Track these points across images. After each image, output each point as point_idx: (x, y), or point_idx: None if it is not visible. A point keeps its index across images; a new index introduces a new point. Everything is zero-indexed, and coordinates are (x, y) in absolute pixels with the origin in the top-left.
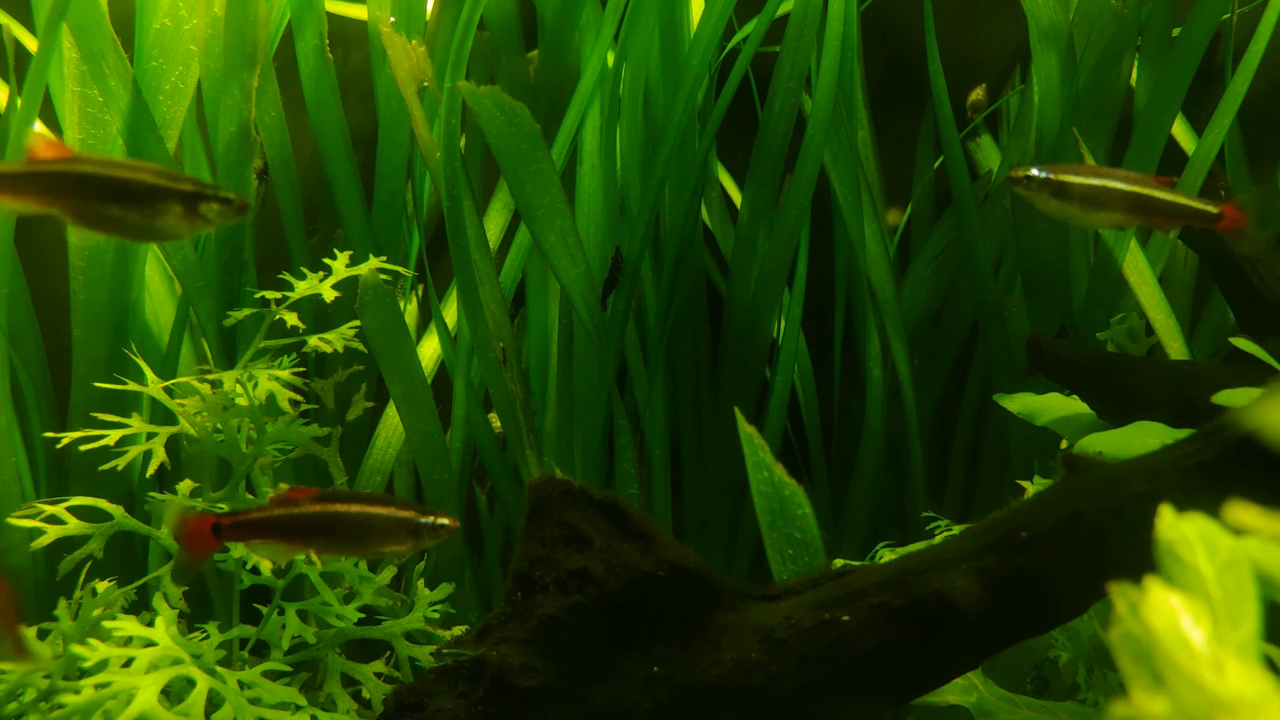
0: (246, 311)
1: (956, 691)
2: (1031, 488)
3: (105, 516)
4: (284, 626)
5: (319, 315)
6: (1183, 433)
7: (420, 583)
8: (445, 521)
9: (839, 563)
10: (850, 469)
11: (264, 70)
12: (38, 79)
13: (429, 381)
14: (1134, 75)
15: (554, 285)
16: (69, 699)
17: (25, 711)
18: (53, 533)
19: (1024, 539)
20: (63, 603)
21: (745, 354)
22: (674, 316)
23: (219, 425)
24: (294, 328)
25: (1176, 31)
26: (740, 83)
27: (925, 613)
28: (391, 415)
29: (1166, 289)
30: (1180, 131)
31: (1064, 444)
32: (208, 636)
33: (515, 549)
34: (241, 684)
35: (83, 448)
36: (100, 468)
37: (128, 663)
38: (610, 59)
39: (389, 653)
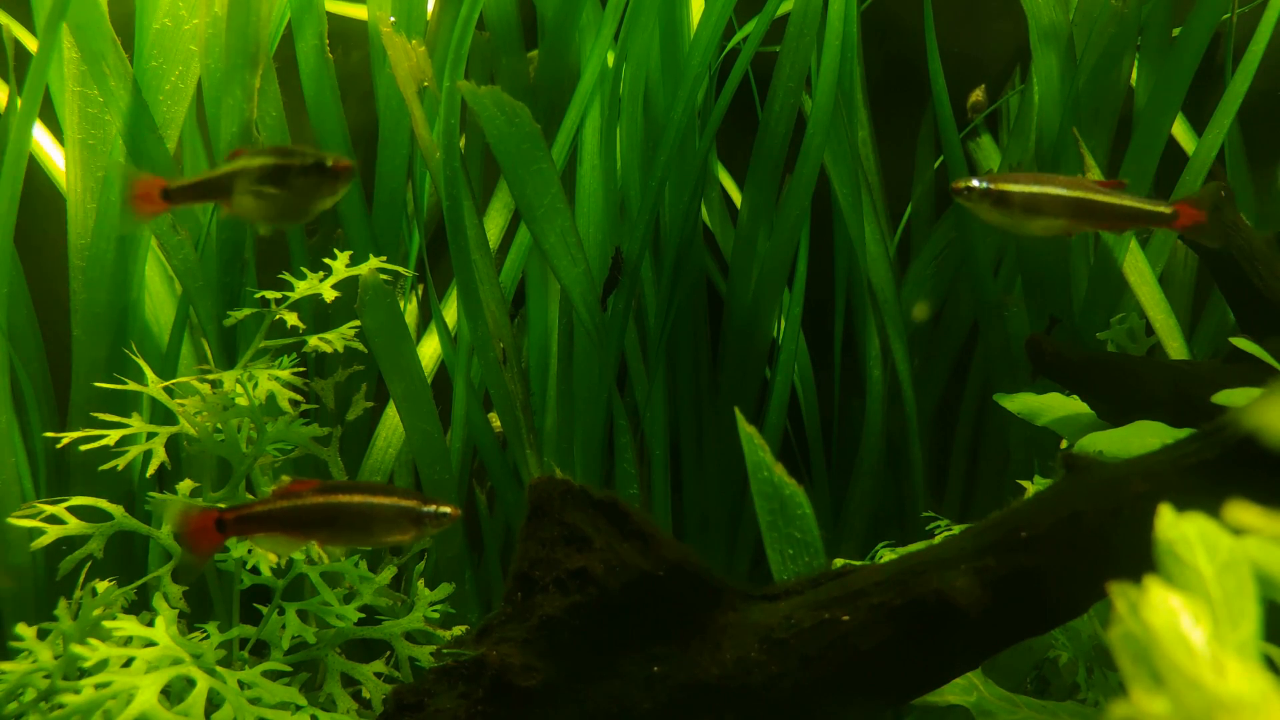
0: (246, 311)
1: (956, 691)
2: (1031, 488)
3: (105, 516)
4: (284, 626)
5: (319, 315)
6: (1183, 433)
7: (420, 583)
8: (447, 510)
9: (839, 563)
10: (850, 469)
11: (265, 70)
12: (38, 79)
13: (429, 381)
14: (1134, 75)
15: (554, 285)
16: (69, 699)
17: (25, 711)
18: (53, 533)
19: (1024, 539)
20: (63, 603)
21: (745, 354)
22: (674, 316)
23: (219, 425)
24: (294, 328)
25: (1176, 31)
26: (740, 83)
27: (925, 613)
28: (391, 415)
29: (1166, 289)
30: (1180, 131)
31: (1064, 444)
32: (208, 636)
33: (515, 549)
34: (241, 684)
35: (83, 448)
36: (100, 468)
37: (128, 663)
38: (610, 59)
39: (389, 653)
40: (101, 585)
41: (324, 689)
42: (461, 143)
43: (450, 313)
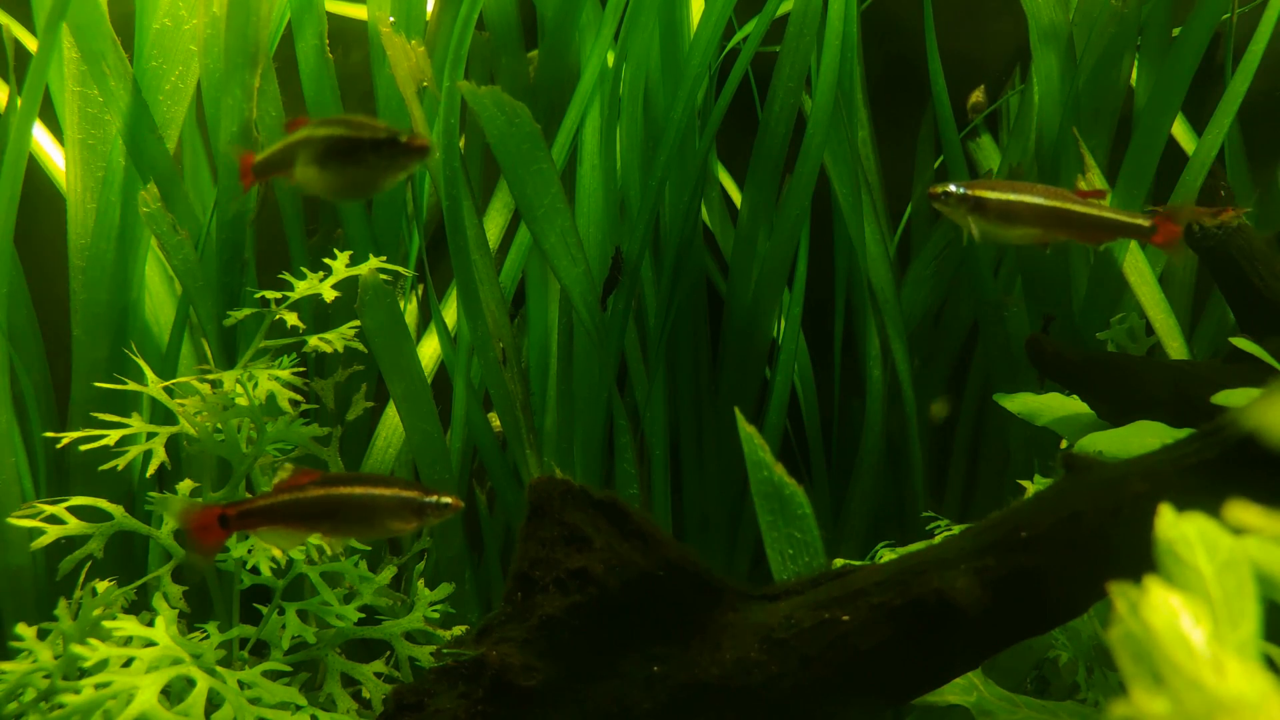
0: (246, 311)
1: (956, 691)
2: (1031, 488)
3: (105, 516)
4: (284, 626)
5: (319, 315)
6: (1183, 433)
7: (420, 583)
8: (448, 501)
9: (839, 563)
10: (850, 469)
11: (265, 70)
12: (38, 79)
13: (429, 381)
14: (1134, 75)
15: (554, 285)
16: (69, 699)
17: (25, 711)
18: (53, 532)
19: (1024, 539)
20: (63, 603)
21: (745, 354)
22: (674, 316)
23: (219, 425)
24: (294, 328)
25: (1176, 31)
26: (740, 83)
27: (925, 613)
28: (391, 415)
29: (1166, 289)
30: (1180, 131)
31: (1064, 444)
32: (208, 636)
33: (515, 549)
34: (241, 684)
35: (83, 448)
36: (100, 468)
37: (128, 663)
38: (610, 59)
39: (389, 653)
40: (101, 585)
41: (324, 689)
42: (461, 143)
43: (450, 313)
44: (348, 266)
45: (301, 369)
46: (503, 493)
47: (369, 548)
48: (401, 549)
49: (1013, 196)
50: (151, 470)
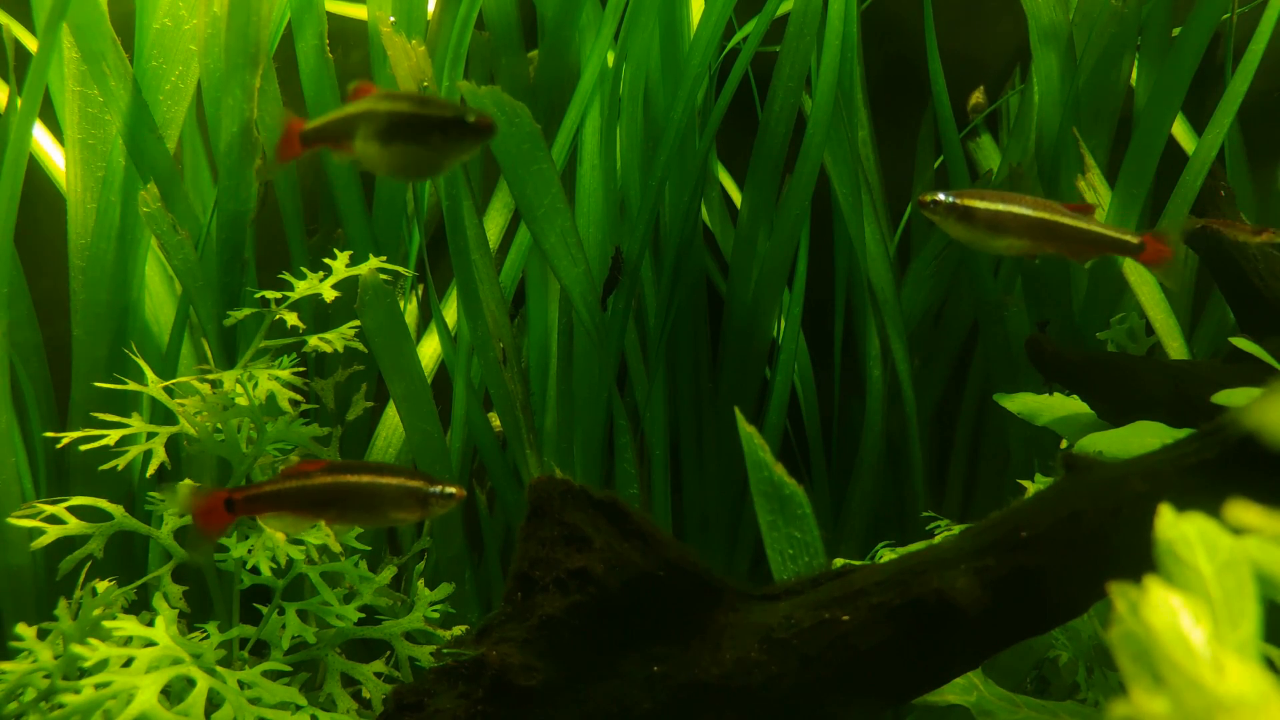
0: (246, 311)
1: (956, 691)
2: (1031, 488)
3: (105, 516)
4: (284, 626)
5: (319, 315)
6: (1183, 433)
7: (420, 583)
8: (452, 490)
9: (839, 563)
10: (850, 469)
11: (265, 70)
12: (38, 79)
13: (429, 381)
14: (1134, 75)
15: (554, 285)
16: (69, 699)
17: (25, 711)
18: (53, 532)
19: (1024, 539)
20: (63, 603)
21: (745, 354)
22: (674, 316)
23: (219, 425)
24: (294, 328)
25: (1176, 31)
26: (740, 83)
27: (925, 613)
28: (391, 415)
29: (1166, 289)
30: (1180, 131)
31: (1064, 444)
32: (208, 636)
33: (515, 549)
34: (241, 684)
35: (83, 448)
36: (100, 467)
37: (128, 662)
38: (610, 59)
39: (389, 653)
40: (101, 585)
41: (324, 689)
42: None
43: (450, 313)
44: (348, 266)
45: (301, 369)
46: (503, 493)
47: (369, 548)
48: (401, 549)
49: (1000, 207)
50: (151, 470)
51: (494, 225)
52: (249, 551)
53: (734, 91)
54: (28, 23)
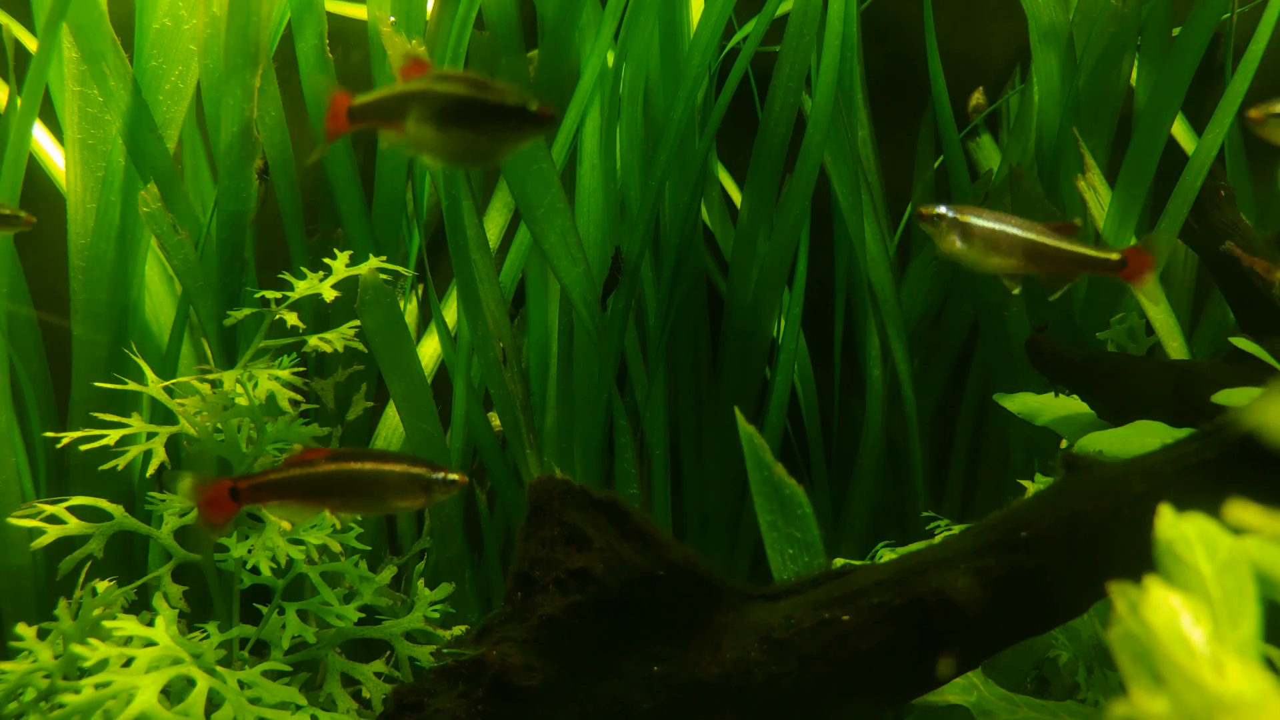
0: (246, 311)
1: (956, 691)
2: (1031, 488)
3: (105, 516)
4: (284, 626)
5: (319, 315)
6: (1183, 432)
7: (420, 583)
8: (455, 477)
9: (839, 563)
10: (850, 469)
11: (265, 70)
12: (38, 79)
13: (429, 381)
14: (1134, 75)
15: (554, 285)
16: (69, 699)
17: (25, 711)
18: (53, 532)
19: (1024, 539)
20: (63, 603)
21: (745, 354)
22: (674, 316)
23: (219, 425)
24: (294, 328)
25: (1176, 31)
26: (740, 83)
27: (925, 612)
28: (391, 415)
29: (1166, 289)
30: (1180, 131)
31: (1064, 444)
32: (208, 636)
33: (515, 549)
34: (241, 684)
35: (83, 447)
36: (100, 467)
37: (128, 662)
38: (610, 59)
39: (389, 652)
40: (101, 585)
41: (324, 689)
42: None
43: (450, 313)
44: (348, 266)
45: (301, 369)
46: (503, 493)
47: (369, 548)
48: (401, 549)
49: (998, 226)
50: (151, 470)
51: (494, 225)
52: (249, 551)
53: (734, 91)
54: (28, 23)
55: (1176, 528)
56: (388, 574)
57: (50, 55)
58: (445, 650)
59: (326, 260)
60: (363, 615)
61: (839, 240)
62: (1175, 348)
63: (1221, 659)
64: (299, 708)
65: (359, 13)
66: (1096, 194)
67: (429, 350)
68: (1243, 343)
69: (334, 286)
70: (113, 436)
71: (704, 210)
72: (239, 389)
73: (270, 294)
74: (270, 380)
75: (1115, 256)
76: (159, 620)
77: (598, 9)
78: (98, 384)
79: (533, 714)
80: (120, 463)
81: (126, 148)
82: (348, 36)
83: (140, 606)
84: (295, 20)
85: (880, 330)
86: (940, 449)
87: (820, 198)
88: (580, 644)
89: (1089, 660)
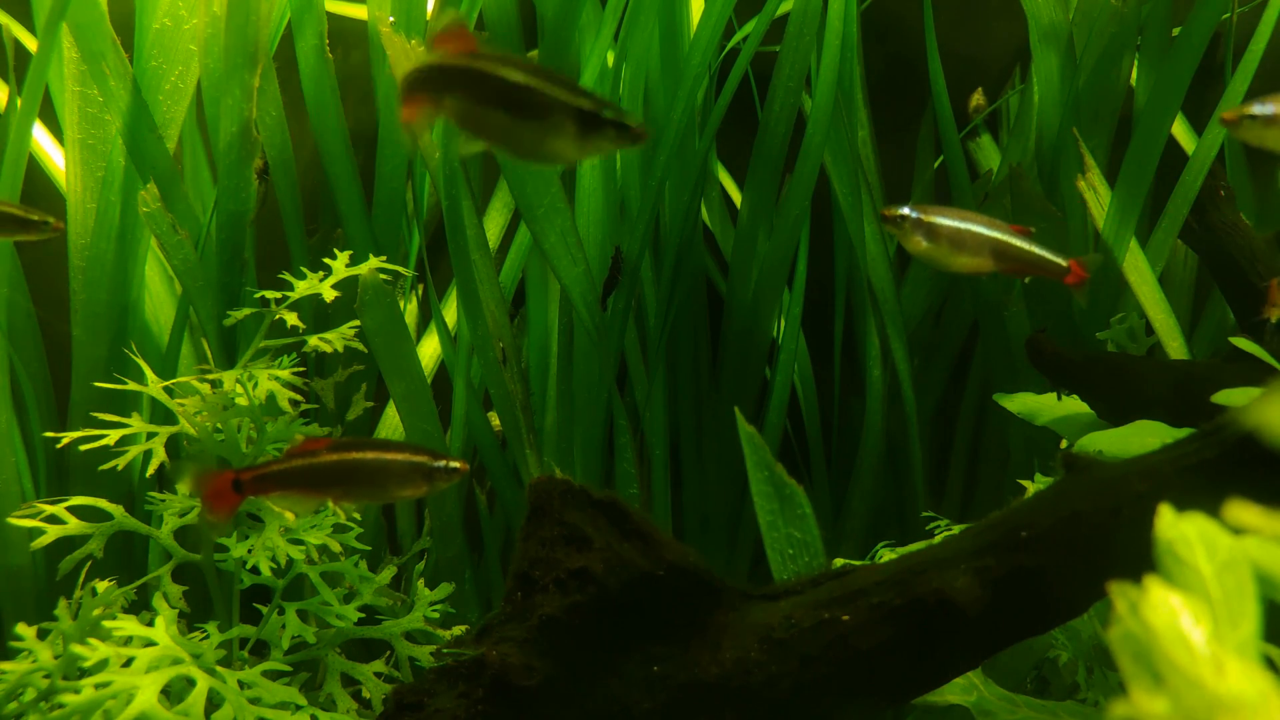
0: (246, 311)
1: (956, 691)
2: (1031, 488)
3: (105, 516)
4: (284, 626)
5: (319, 315)
6: (1183, 432)
7: (420, 583)
8: (457, 465)
9: (839, 563)
10: (850, 469)
11: (265, 70)
12: (38, 79)
13: (429, 381)
14: (1134, 75)
15: (554, 285)
16: (69, 699)
17: (25, 711)
18: (53, 532)
19: (1024, 539)
20: (63, 602)
21: (745, 354)
22: (674, 316)
23: (219, 425)
24: (294, 327)
25: (1176, 31)
26: (740, 83)
27: (925, 612)
28: (391, 415)
29: (1166, 289)
30: (1180, 131)
31: (1064, 444)
32: (208, 636)
33: (515, 549)
34: (241, 684)
35: (83, 448)
36: (100, 467)
37: (128, 662)
38: (610, 59)
39: (389, 652)
40: (101, 585)
41: (324, 689)
42: None
43: (450, 313)
44: (348, 266)
45: (301, 369)
46: (503, 493)
47: (369, 548)
48: (401, 549)
49: (963, 226)
50: (151, 470)
51: (494, 225)
52: (249, 551)
53: (734, 91)
54: (28, 23)
55: (1176, 528)
56: (388, 574)
57: (50, 55)
58: (445, 650)
59: (326, 260)
60: (363, 615)
61: (839, 240)
62: (1175, 348)
63: (1221, 659)
64: (299, 708)
65: (359, 13)
66: (1096, 194)
67: (429, 350)
68: (1243, 342)
69: (334, 286)
70: (113, 436)
71: (704, 210)
72: (239, 389)
73: (270, 294)
74: (270, 380)
75: (1064, 263)
76: (159, 620)
77: (598, 9)
78: (98, 384)
79: (533, 714)
80: (120, 463)
81: (126, 148)
82: (348, 36)
83: (140, 606)
84: (295, 20)
85: (880, 330)
86: (940, 449)
87: (820, 198)
88: (580, 644)
89: (1089, 660)
